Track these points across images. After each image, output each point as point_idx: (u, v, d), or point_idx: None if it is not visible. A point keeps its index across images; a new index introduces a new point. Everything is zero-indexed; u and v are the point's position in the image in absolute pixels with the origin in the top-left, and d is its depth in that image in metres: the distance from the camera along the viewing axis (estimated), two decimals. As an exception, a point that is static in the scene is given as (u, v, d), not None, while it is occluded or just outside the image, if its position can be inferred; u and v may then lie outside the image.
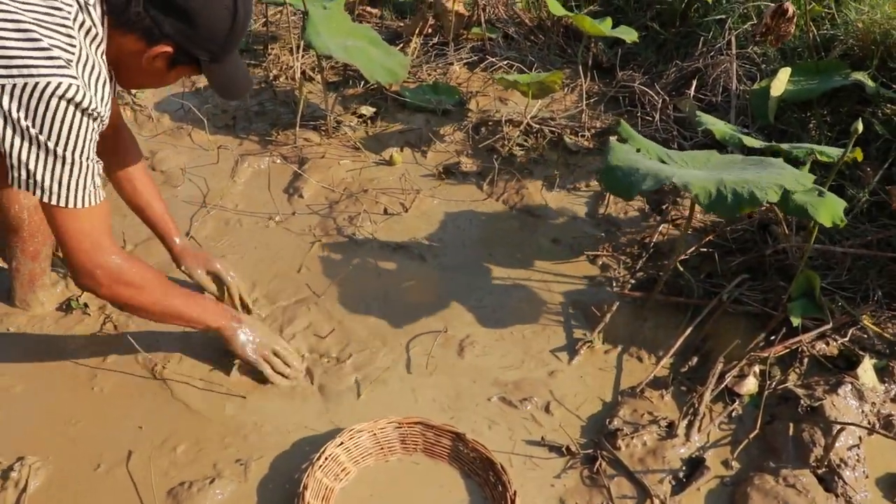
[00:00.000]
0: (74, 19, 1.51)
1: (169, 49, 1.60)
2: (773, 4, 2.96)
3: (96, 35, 1.56)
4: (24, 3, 1.47)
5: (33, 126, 1.46)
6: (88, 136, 1.55)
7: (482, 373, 2.13)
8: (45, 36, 1.45)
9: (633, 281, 2.43)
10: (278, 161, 2.99)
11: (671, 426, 1.97)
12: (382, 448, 1.87)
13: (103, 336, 2.16)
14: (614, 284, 2.43)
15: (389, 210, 2.74)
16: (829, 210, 1.91)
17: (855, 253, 2.34)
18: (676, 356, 2.19)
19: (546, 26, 3.99)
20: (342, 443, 1.82)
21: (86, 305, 2.23)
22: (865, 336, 2.18)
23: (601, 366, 2.19)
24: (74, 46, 1.50)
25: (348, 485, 1.80)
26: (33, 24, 1.45)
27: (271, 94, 3.41)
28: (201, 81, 3.44)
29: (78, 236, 1.64)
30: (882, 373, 2.08)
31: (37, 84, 1.42)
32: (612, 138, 2.25)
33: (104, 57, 1.60)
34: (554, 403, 2.05)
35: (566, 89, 3.50)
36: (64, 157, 1.52)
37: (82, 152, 1.55)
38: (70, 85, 1.45)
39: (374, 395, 2.04)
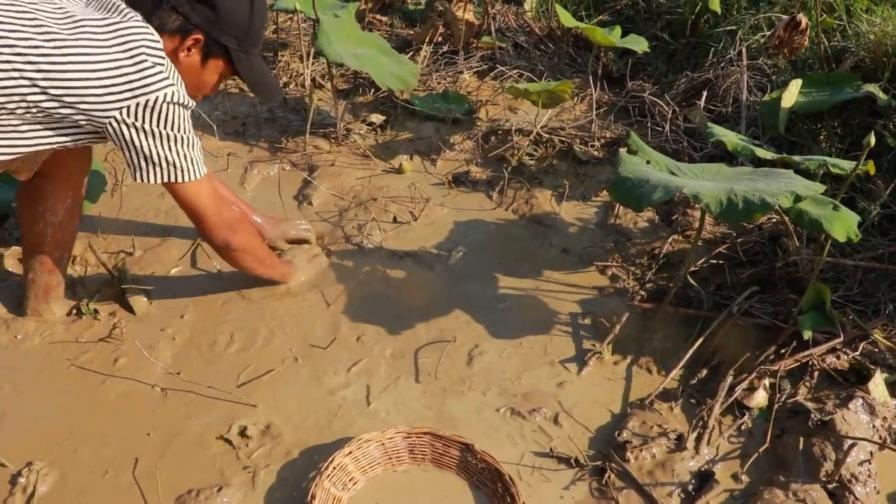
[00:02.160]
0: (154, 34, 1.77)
1: (200, 36, 1.83)
2: (784, 16, 2.96)
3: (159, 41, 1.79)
4: (126, 29, 1.73)
5: (167, 126, 1.77)
6: (189, 122, 1.85)
7: (491, 383, 2.13)
8: (149, 56, 1.72)
9: (642, 292, 2.42)
10: (288, 168, 3.00)
11: (680, 439, 1.96)
12: (391, 458, 1.86)
13: (112, 342, 2.16)
14: (624, 295, 2.43)
15: (399, 218, 2.74)
16: (844, 224, 1.90)
17: (866, 266, 2.33)
18: (686, 368, 2.18)
19: (556, 36, 3.98)
20: (350, 452, 1.81)
21: (95, 311, 2.24)
22: (876, 350, 2.17)
23: (610, 377, 2.18)
24: (164, 59, 1.77)
25: (356, 494, 1.80)
26: (141, 48, 1.72)
27: (281, 101, 3.42)
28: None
29: (211, 197, 1.96)
30: (893, 387, 2.07)
31: (157, 98, 1.72)
32: (622, 150, 2.25)
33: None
34: (563, 414, 2.04)
35: (576, 99, 3.49)
36: (189, 140, 1.84)
37: (192, 132, 1.87)
38: (174, 92, 1.74)
39: (382, 404, 2.04)
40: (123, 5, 1.78)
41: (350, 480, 1.80)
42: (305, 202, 2.81)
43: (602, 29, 3.29)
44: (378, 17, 4.26)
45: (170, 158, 1.82)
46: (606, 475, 1.87)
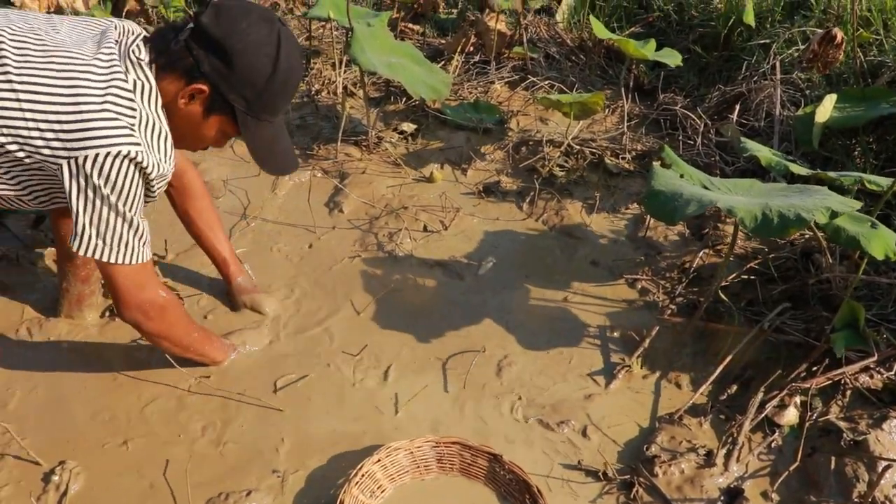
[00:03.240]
0: (130, 83, 1.63)
1: (205, 88, 1.66)
2: (819, 30, 2.94)
3: (150, 90, 1.66)
4: (90, 76, 1.60)
5: (107, 188, 1.60)
6: (142, 196, 1.69)
7: (520, 394, 2.12)
8: (112, 104, 1.59)
9: (672, 306, 2.41)
10: (319, 175, 3.02)
11: (709, 455, 1.94)
12: (419, 466, 1.87)
13: (144, 345, 2.18)
14: (653, 309, 2.42)
15: (429, 227, 2.75)
16: (882, 242, 1.88)
17: (901, 284, 2.30)
18: (715, 383, 2.16)
19: (587, 47, 3.99)
20: (379, 460, 1.82)
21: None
22: (911, 370, 2.14)
23: (639, 390, 2.17)
24: (135, 110, 1.62)
25: (384, 502, 1.81)
26: (104, 96, 1.59)
27: (313, 108, 3.45)
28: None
29: (131, 279, 1.77)
30: (928, 408, 2.04)
31: (109, 153, 1.56)
32: (656, 163, 2.25)
33: (161, 111, 1.69)
34: (591, 427, 2.04)
35: (607, 111, 3.49)
36: (129, 219, 1.67)
37: (138, 212, 1.69)
38: (137, 152, 1.59)
39: (411, 413, 2.05)
40: (107, 32, 1.68)
41: (378, 488, 1.81)
42: (336, 209, 2.82)
43: (635, 41, 3.29)
44: (410, 25, 4.29)
45: (101, 230, 1.66)
46: (634, 489, 1.87)
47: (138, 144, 1.60)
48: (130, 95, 1.62)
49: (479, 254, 2.64)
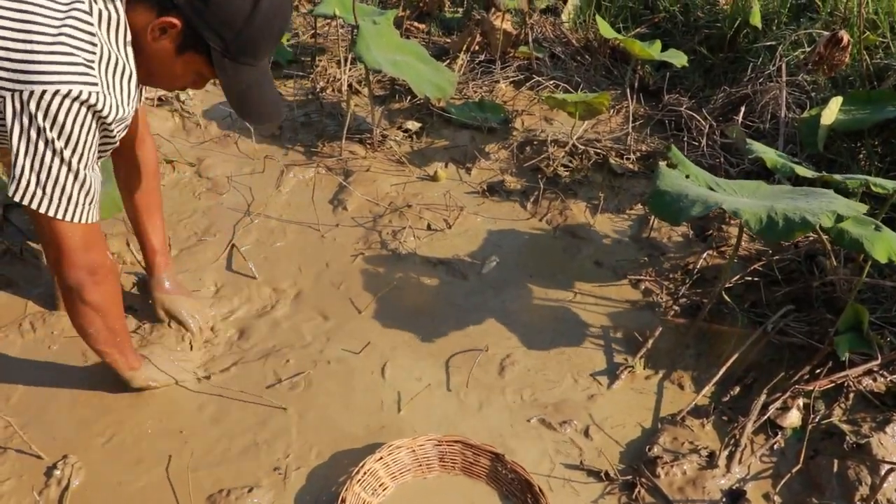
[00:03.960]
0: (94, 13, 1.44)
1: (176, 22, 1.47)
2: (826, 33, 2.94)
3: (117, 21, 1.48)
4: (48, 2, 1.42)
5: (53, 131, 1.42)
6: (95, 146, 1.51)
7: (522, 393, 2.12)
8: (68, 36, 1.40)
9: (676, 307, 2.41)
10: (323, 172, 3.02)
11: (712, 456, 1.94)
12: (421, 465, 1.87)
13: (147, 340, 2.18)
14: (656, 310, 2.41)
15: (433, 226, 2.75)
16: (886, 245, 1.88)
17: (906, 288, 2.30)
18: (718, 385, 2.16)
19: (593, 47, 3.98)
20: (381, 458, 1.82)
21: (129, 308, 2.26)
22: (915, 373, 2.14)
23: (641, 391, 2.17)
24: (95, 45, 1.44)
25: (386, 500, 1.81)
26: (60, 27, 1.40)
27: (318, 105, 3.44)
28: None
29: (83, 239, 1.59)
30: (932, 412, 2.04)
31: (58, 91, 1.38)
32: (662, 163, 2.24)
33: (129, 47, 1.52)
34: (593, 427, 2.04)
35: (612, 111, 3.49)
36: (77, 171, 1.49)
37: (88, 163, 1.51)
38: (91, 93, 1.41)
39: (413, 411, 2.04)
40: None
41: (380, 486, 1.81)
42: (340, 207, 2.82)
43: (641, 42, 3.28)
44: (415, 24, 4.28)
45: (42, 178, 1.47)
46: (636, 490, 1.86)
47: (94, 84, 1.42)
48: (91, 28, 1.43)
49: (483, 253, 2.64)
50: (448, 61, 3.74)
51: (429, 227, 2.74)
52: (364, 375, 2.14)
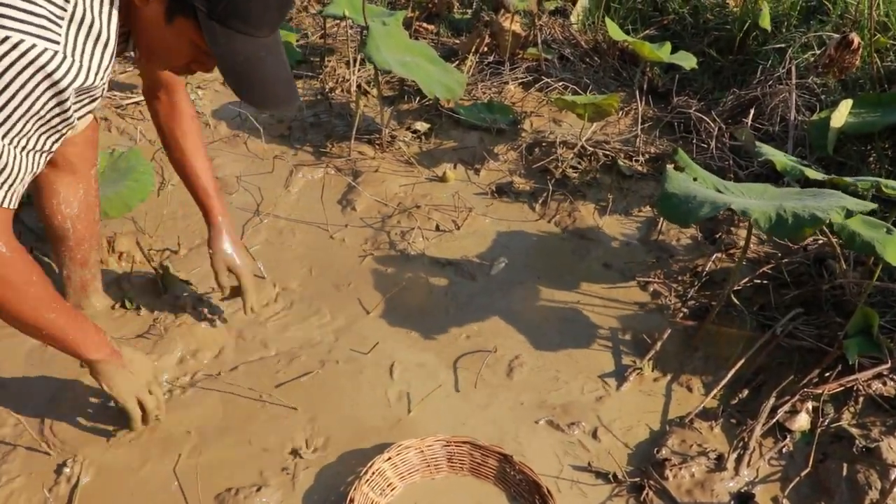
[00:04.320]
0: None
1: None
2: (836, 35, 2.93)
3: None
4: None
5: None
6: (37, 120, 1.28)
7: (530, 395, 2.12)
8: None
9: (684, 309, 2.40)
10: (332, 173, 3.02)
11: (720, 459, 1.94)
12: (429, 465, 1.87)
13: (153, 338, 2.18)
14: (665, 312, 2.41)
15: (441, 227, 2.75)
16: (897, 249, 1.87)
17: (916, 291, 2.29)
18: (727, 388, 2.15)
19: (602, 49, 3.98)
20: (390, 458, 1.82)
21: (138, 307, 2.27)
22: (925, 377, 2.13)
23: (650, 393, 2.17)
24: (69, 2, 1.25)
25: (394, 500, 1.81)
26: None
27: (327, 106, 3.45)
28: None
29: None
30: (943, 417, 2.03)
31: (7, 38, 1.17)
32: (669, 166, 2.24)
33: (114, 10, 1.34)
34: (602, 429, 2.03)
35: (621, 113, 3.49)
36: (24, 144, 1.29)
37: (19, 142, 1.28)
38: (46, 50, 1.20)
39: (422, 412, 2.05)
40: None
41: (388, 486, 1.81)
42: (349, 207, 2.83)
43: (651, 44, 3.28)
44: (424, 25, 4.29)
45: None
46: (644, 492, 1.86)
47: (55, 43, 1.22)
48: None
49: (491, 254, 2.64)
50: (457, 62, 3.75)
51: (437, 228, 2.75)
52: (372, 375, 2.14)
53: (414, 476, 1.85)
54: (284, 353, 2.19)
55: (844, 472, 1.89)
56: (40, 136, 1.31)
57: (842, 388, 2.09)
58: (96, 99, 1.37)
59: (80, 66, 1.27)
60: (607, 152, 3.13)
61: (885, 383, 2.10)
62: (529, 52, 3.84)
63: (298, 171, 3.00)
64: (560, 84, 3.60)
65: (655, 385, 2.19)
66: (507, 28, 3.70)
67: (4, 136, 1.25)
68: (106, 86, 1.38)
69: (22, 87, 1.21)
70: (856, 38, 2.79)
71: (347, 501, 1.70)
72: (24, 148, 1.30)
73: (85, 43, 1.28)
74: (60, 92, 1.25)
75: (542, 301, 2.45)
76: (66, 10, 1.24)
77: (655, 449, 1.97)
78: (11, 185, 1.33)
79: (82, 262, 2.18)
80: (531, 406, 2.09)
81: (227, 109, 3.38)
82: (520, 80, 3.72)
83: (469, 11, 4.48)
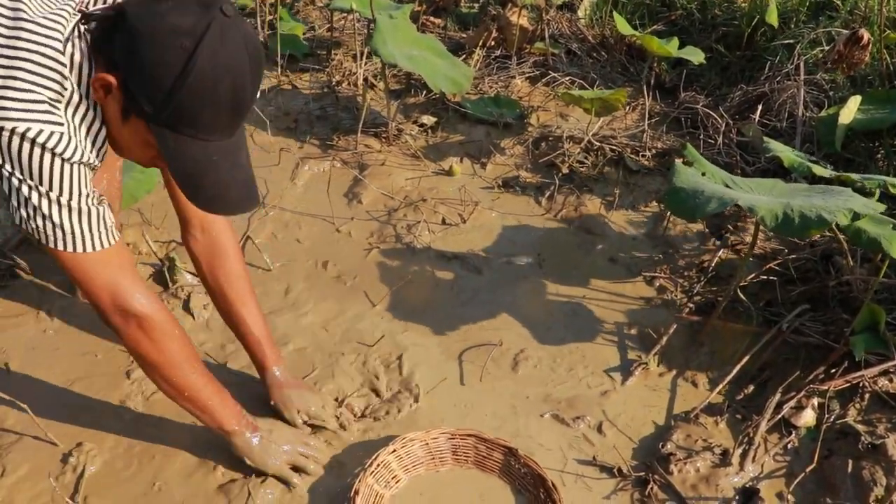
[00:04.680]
0: (66, 55, 1.31)
1: (111, 80, 1.30)
2: (845, 31, 2.92)
3: (90, 70, 1.34)
4: (17, 37, 1.30)
5: (19, 172, 1.31)
6: (80, 180, 1.38)
7: (535, 388, 2.12)
8: (33, 73, 1.28)
9: (690, 304, 2.40)
10: (338, 166, 3.02)
11: (725, 454, 1.94)
12: (434, 458, 1.87)
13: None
14: (671, 307, 2.41)
15: (448, 220, 2.75)
16: (903, 245, 1.87)
17: (923, 288, 2.28)
18: (732, 383, 2.15)
19: (609, 44, 3.97)
20: (394, 450, 1.82)
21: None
22: (932, 375, 2.13)
23: (655, 388, 2.17)
24: (67, 90, 1.31)
25: (398, 492, 1.81)
26: (23, 62, 1.28)
27: (333, 99, 3.45)
28: (264, 84, 3.48)
29: (93, 279, 1.48)
30: (948, 414, 2.03)
31: (14, 129, 1.26)
32: (678, 160, 2.24)
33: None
34: (606, 423, 2.03)
35: (628, 108, 3.48)
36: (60, 203, 1.37)
37: (79, 197, 1.39)
38: (39, 131, 1.28)
39: (427, 405, 2.05)
40: None
41: (393, 478, 1.81)
42: (355, 200, 2.83)
43: (659, 39, 3.27)
44: (432, 19, 4.29)
45: (30, 212, 1.37)
46: (649, 487, 1.86)
47: (59, 125, 1.31)
48: (63, 69, 1.30)
49: (497, 248, 2.64)
50: (464, 56, 3.74)
51: (443, 222, 2.75)
52: (378, 368, 2.14)
53: (419, 468, 1.85)
54: (290, 346, 2.19)
55: (850, 469, 1.88)
56: (84, 186, 1.40)
57: (848, 384, 2.09)
58: (96, 166, 1.42)
59: (77, 145, 1.35)
60: (614, 147, 3.12)
61: (891, 380, 2.10)
62: (537, 46, 3.83)
63: (304, 164, 3.00)
64: (567, 79, 3.60)
65: (661, 380, 2.19)
66: (515, 22, 3.69)
67: (59, 195, 1.36)
68: (100, 164, 1.43)
69: (49, 164, 1.32)
70: (865, 34, 2.76)
71: (352, 493, 1.71)
72: (86, 200, 1.41)
73: (80, 124, 1.36)
74: (70, 159, 1.34)
75: (548, 295, 2.45)
76: (62, 96, 1.31)
77: (660, 444, 1.97)
78: (100, 223, 1.44)
79: None
80: (536, 400, 2.09)
81: (234, 102, 3.37)
82: (527, 75, 3.71)
83: (476, 5, 4.47)
